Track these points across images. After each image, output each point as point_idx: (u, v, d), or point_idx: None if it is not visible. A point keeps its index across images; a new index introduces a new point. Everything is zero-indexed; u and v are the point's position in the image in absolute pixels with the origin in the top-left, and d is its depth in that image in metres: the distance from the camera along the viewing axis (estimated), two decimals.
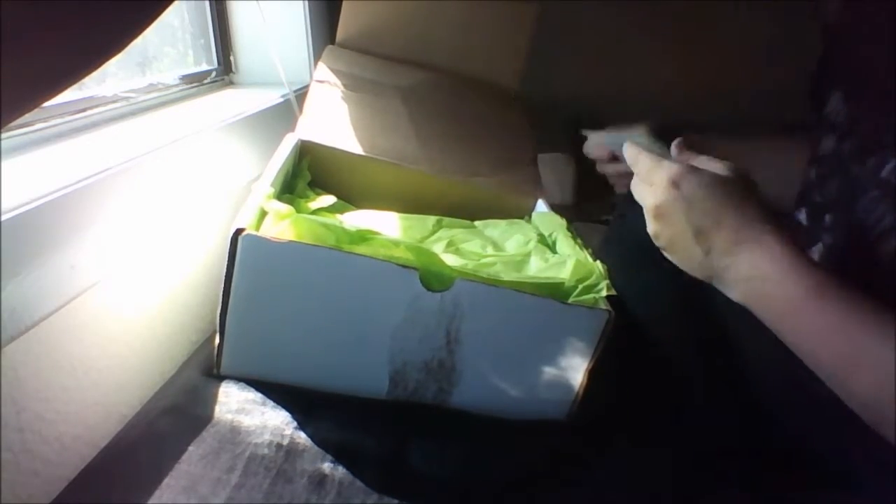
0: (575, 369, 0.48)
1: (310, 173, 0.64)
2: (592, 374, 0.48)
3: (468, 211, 0.66)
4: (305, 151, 0.64)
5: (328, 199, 0.59)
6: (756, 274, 0.42)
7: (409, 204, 0.65)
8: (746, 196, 0.44)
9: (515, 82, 0.81)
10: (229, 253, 0.42)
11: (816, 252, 0.55)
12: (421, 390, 0.49)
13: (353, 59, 0.75)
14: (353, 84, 0.71)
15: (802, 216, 0.58)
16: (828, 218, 0.54)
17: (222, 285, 0.44)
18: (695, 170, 0.45)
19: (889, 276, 0.46)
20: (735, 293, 0.44)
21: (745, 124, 0.81)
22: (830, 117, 0.57)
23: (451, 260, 0.49)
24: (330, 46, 0.76)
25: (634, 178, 0.48)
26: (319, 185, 0.65)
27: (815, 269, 0.40)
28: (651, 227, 0.47)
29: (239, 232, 0.42)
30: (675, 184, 0.44)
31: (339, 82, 0.71)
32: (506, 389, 0.49)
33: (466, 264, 0.50)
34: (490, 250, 0.56)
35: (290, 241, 0.43)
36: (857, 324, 0.38)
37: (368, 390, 0.49)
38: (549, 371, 0.48)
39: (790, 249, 0.41)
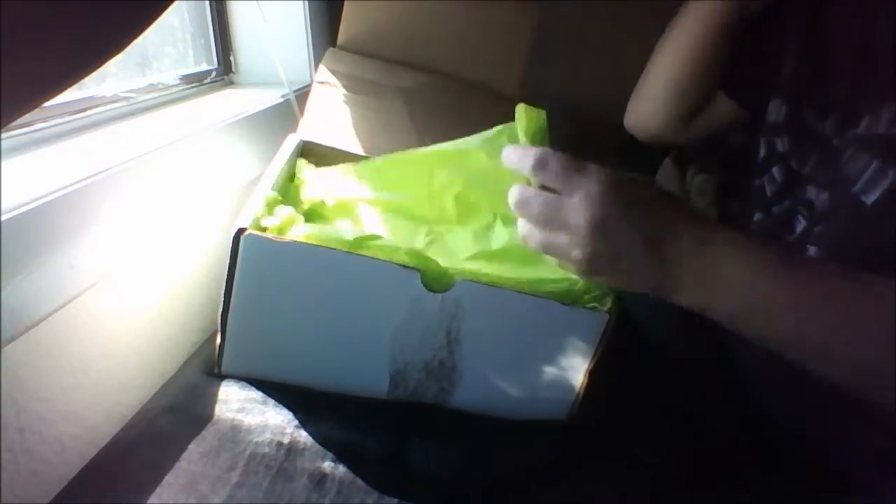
0: (575, 370, 0.48)
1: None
2: (593, 375, 0.48)
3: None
4: (307, 152, 0.64)
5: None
6: (731, 267, 0.39)
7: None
8: (676, 196, 0.43)
9: (516, 88, 0.81)
10: (231, 252, 0.43)
11: (780, 209, 0.55)
12: (421, 390, 0.49)
13: (354, 61, 0.75)
14: (355, 86, 0.71)
15: (778, 172, 0.57)
16: (808, 191, 0.53)
17: (224, 285, 0.44)
18: (623, 174, 0.40)
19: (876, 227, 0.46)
20: (696, 294, 0.40)
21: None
22: (788, 85, 0.57)
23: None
24: (331, 49, 0.76)
25: (541, 196, 0.41)
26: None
27: (788, 253, 0.41)
28: (586, 248, 0.39)
29: (241, 231, 0.42)
30: (611, 189, 0.39)
31: (339, 84, 0.71)
32: (506, 389, 0.49)
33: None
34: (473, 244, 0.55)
35: (292, 241, 0.43)
36: (855, 284, 0.38)
37: (369, 390, 0.49)
38: (549, 371, 0.48)
39: (753, 239, 0.41)
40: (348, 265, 0.44)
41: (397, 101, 0.72)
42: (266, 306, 0.46)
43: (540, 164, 0.41)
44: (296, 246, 0.43)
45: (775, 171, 0.57)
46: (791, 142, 0.56)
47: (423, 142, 0.67)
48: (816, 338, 0.38)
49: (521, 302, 0.45)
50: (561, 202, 0.40)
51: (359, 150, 0.64)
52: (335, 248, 0.44)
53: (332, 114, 0.68)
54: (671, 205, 0.41)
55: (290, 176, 0.62)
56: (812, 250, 0.51)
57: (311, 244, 0.43)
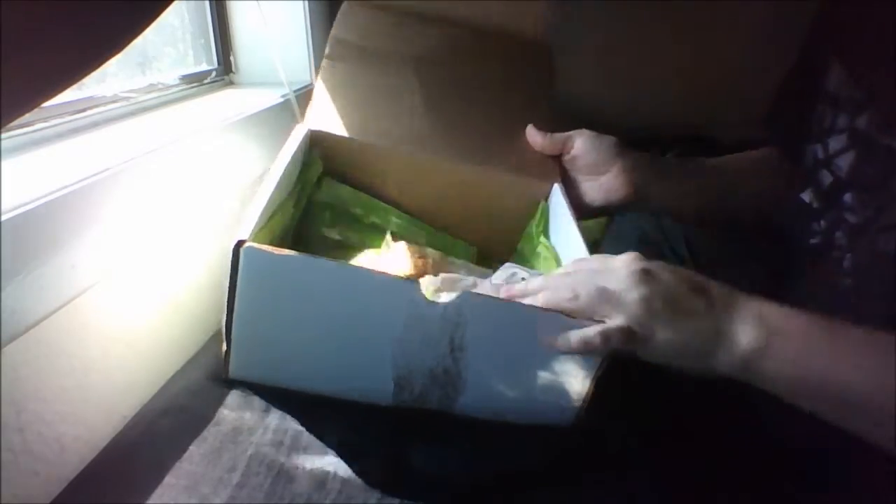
0: (581, 377, 0.47)
1: (322, 163, 0.64)
2: (600, 382, 0.48)
3: (481, 195, 0.65)
4: (316, 141, 0.63)
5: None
6: (767, 317, 0.40)
7: (422, 189, 0.65)
8: None
9: (538, 28, 0.76)
10: (231, 263, 0.42)
11: (819, 230, 0.53)
12: (426, 395, 0.49)
13: (367, 20, 0.72)
14: (364, 58, 0.69)
15: (809, 196, 0.56)
16: (848, 197, 0.51)
17: (226, 294, 0.44)
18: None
19: None
20: (755, 334, 0.40)
21: (746, 124, 0.81)
22: (835, 90, 0.54)
23: None
24: (346, 3, 0.73)
25: (583, 274, 0.44)
26: (332, 173, 0.65)
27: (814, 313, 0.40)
28: (637, 291, 0.41)
29: (240, 244, 0.42)
30: (644, 257, 0.42)
31: (349, 57, 0.69)
32: (511, 396, 0.48)
33: None
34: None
35: (292, 254, 0.42)
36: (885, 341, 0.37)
37: (374, 395, 0.49)
38: (555, 378, 0.47)
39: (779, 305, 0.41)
40: (348, 277, 0.44)
41: (408, 71, 0.69)
42: (269, 315, 0.46)
43: (579, 259, 0.45)
44: (296, 258, 0.42)
45: (820, 178, 0.55)
46: (841, 145, 0.54)
47: (433, 122, 0.65)
48: (876, 398, 0.38)
49: (524, 312, 0.45)
50: (605, 266, 0.43)
51: (366, 138, 0.62)
52: (334, 260, 0.44)
53: (339, 97, 0.65)
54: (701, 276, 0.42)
55: (301, 168, 0.61)
56: (848, 260, 0.51)
57: (311, 256, 0.43)
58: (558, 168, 0.66)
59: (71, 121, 0.59)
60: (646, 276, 0.41)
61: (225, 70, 0.89)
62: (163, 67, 0.77)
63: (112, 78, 0.67)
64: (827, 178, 0.54)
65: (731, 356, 0.40)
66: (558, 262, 0.58)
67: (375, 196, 0.67)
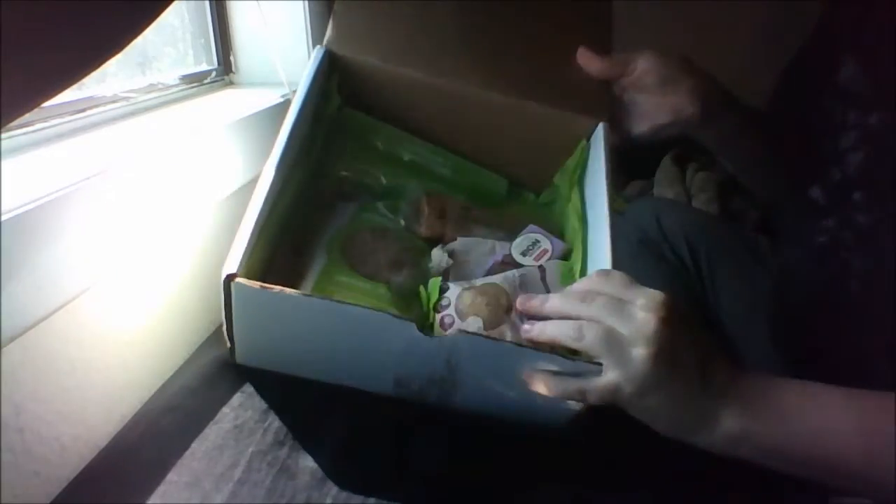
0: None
1: (340, 94, 0.58)
2: None
3: (519, 131, 0.59)
4: (335, 67, 0.56)
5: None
6: (774, 394, 0.40)
7: (453, 123, 0.59)
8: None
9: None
10: (224, 292, 0.41)
11: (827, 228, 0.53)
12: (425, 392, 0.48)
13: None
14: None
15: (817, 193, 0.55)
16: (858, 196, 0.51)
17: (223, 310, 0.43)
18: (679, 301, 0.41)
19: None
20: (739, 420, 0.39)
21: None
22: (845, 84, 0.54)
23: None
24: None
25: (605, 292, 0.41)
26: (352, 103, 0.59)
27: (816, 384, 0.40)
28: (654, 342, 0.38)
29: (230, 278, 0.40)
30: (673, 302, 0.39)
31: None
32: (509, 405, 0.47)
33: None
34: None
35: (281, 291, 0.41)
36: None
37: (375, 388, 0.48)
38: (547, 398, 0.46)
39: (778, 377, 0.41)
40: (340, 315, 0.42)
41: None
42: (265, 333, 0.45)
43: (602, 275, 0.42)
44: (285, 296, 0.41)
45: (830, 175, 0.55)
46: (851, 142, 0.53)
47: (469, 46, 0.58)
48: (855, 465, 0.38)
49: (520, 354, 0.42)
50: (624, 302, 0.39)
51: (398, 66, 0.55)
52: (326, 298, 0.42)
53: (364, 21, 0.57)
54: (709, 334, 0.42)
55: (320, 114, 0.56)
56: (857, 261, 0.50)
57: (301, 294, 0.42)
58: (606, 105, 0.59)
59: (71, 121, 0.59)
60: (663, 330, 0.38)
61: (225, 70, 0.89)
62: (163, 67, 0.77)
63: (112, 78, 0.67)
64: (836, 175, 0.53)
65: (710, 438, 0.40)
66: (582, 226, 0.54)
67: (398, 126, 0.61)
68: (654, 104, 0.58)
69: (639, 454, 0.50)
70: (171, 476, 0.43)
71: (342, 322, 0.42)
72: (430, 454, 0.47)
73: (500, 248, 0.53)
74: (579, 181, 0.58)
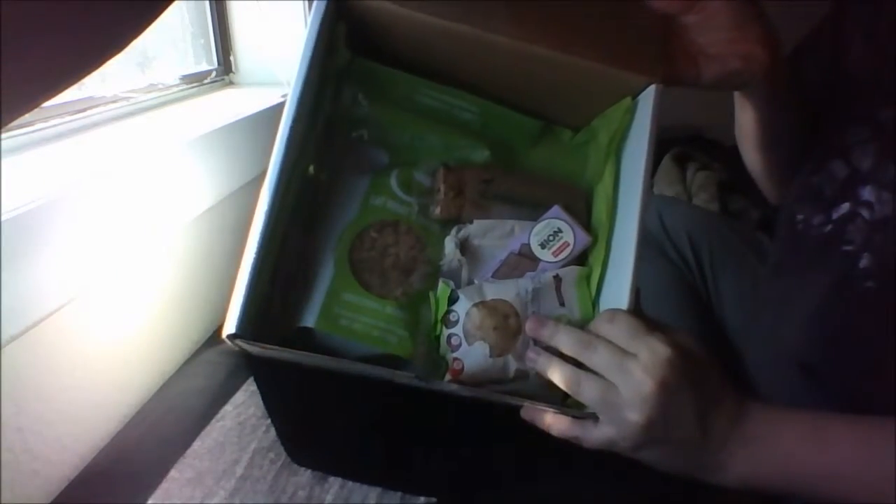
0: None
1: (348, 50, 0.50)
2: None
3: (559, 86, 0.52)
4: (343, 13, 0.49)
5: None
6: (774, 433, 0.40)
7: (481, 75, 0.52)
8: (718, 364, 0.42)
9: None
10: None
11: (830, 219, 0.52)
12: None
13: None
14: None
15: (823, 185, 0.54)
16: (866, 192, 0.50)
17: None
18: (686, 341, 0.40)
19: None
20: (741, 467, 0.40)
21: None
22: (855, 78, 0.53)
23: None
24: None
25: (609, 345, 0.40)
26: (362, 55, 0.51)
27: (819, 415, 0.41)
28: (647, 411, 0.37)
29: (232, 338, 0.39)
30: (681, 357, 0.38)
31: None
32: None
33: None
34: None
35: (279, 352, 0.40)
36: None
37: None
38: None
39: (783, 409, 0.41)
40: (347, 371, 0.42)
41: None
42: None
43: (608, 319, 0.41)
44: (284, 354, 0.40)
45: (834, 167, 0.54)
46: (856, 134, 0.52)
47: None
48: (864, 497, 0.38)
49: (510, 403, 0.43)
50: (626, 357, 0.38)
51: (416, 8, 0.46)
52: (330, 359, 0.41)
53: None
54: (723, 378, 0.41)
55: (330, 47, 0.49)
56: (866, 259, 0.50)
57: (299, 356, 0.41)
58: (661, 63, 0.51)
59: (71, 121, 0.59)
60: (660, 395, 0.37)
61: (225, 70, 0.89)
62: (163, 67, 0.77)
63: (112, 78, 0.67)
64: (842, 167, 0.53)
65: (721, 481, 0.40)
66: (610, 218, 0.51)
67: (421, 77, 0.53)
68: (725, 48, 0.51)
69: None
70: (174, 473, 0.43)
71: (350, 375, 0.43)
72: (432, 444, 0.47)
73: (519, 231, 0.51)
74: (617, 150, 0.53)
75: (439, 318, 0.46)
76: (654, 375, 0.37)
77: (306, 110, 0.48)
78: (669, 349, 0.38)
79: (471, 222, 0.51)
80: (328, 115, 0.52)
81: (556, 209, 0.52)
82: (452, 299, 0.48)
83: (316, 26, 0.47)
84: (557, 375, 0.41)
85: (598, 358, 0.39)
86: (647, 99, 0.50)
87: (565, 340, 0.42)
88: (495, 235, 0.51)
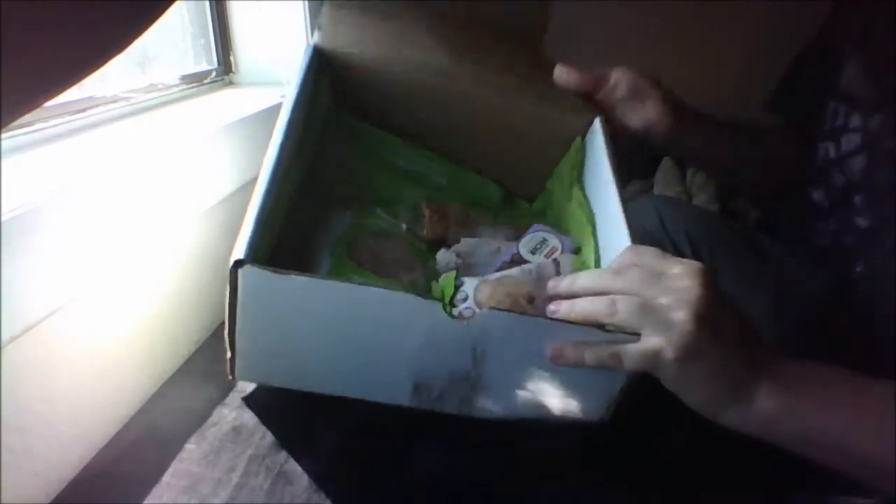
0: (609, 384, 0.44)
1: (331, 94, 0.58)
2: (630, 382, 0.44)
3: (511, 131, 0.60)
4: (325, 65, 0.56)
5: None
6: (807, 377, 0.39)
7: (446, 124, 0.59)
8: None
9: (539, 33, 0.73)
10: (230, 282, 0.39)
11: (828, 230, 0.53)
12: (445, 396, 0.46)
13: None
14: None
15: (820, 195, 0.55)
16: (858, 199, 0.51)
17: (227, 308, 0.41)
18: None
19: None
20: (769, 404, 0.38)
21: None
22: (849, 87, 0.54)
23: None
24: None
25: (631, 281, 0.38)
26: (344, 102, 0.59)
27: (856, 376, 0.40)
28: (695, 309, 0.36)
29: (238, 264, 0.38)
30: (711, 273, 0.37)
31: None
32: (535, 394, 0.46)
33: None
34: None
35: (296, 275, 0.39)
36: None
37: (390, 397, 0.47)
38: (582, 383, 0.45)
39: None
40: (360, 298, 0.40)
41: (422, 16, 0.63)
42: (273, 332, 0.43)
43: (631, 250, 0.40)
44: (300, 280, 0.39)
45: (833, 177, 0.55)
46: (853, 146, 0.53)
47: (457, 50, 0.59)
48: (890, 458, 0.36)
49: (556, 330, 0.41)
50: (662, 270, 0.38)
51: (392, 67, 0.56)
52: (345, 281, 0.41)
53: (351, 21, 0.58)
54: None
55: (314, 95, 0.56)
56: (861, 265, 0.50)
57: (318, 278, 0.40)
58: (594, 105, 0.62)
59: (71, 121, 0.59)
60: (706, 295, 0.36)
61: (225, 70, 0.89)
62: (163, 67, 0.77)
63: (112, 78, 0.67)
64: (839, 178, 0.53)
65: (742, 415, 0.38)
66: (590, 221, 0.53)
67: (390, 127, 0.60)
68: (630, 115, 0.61)
69: (652, 454, 0.50)
70: (169, 479, 0.43)
71: (363, 308, 0.40)
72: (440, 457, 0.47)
73: (506, 249, 0.53)
74: (578, 178, 0.58)
75: (447, 301, 0.45)
76: (696, 278, 0.36)
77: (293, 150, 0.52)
78: (701, 265, 0.37)
79: (458, 241, 0.53)
80: (311, 159, 0.57)
81: (536, 225, 0.56)
82: (458, 284, 0.48)
83: (304, 69, 0.54)
84: (587, 308, 0.39)
85: (631, 277, 0.38)
86: (595, 131, 0.58)
87: (589, 279, 0.40)
88: (484, 252, 0.53)
